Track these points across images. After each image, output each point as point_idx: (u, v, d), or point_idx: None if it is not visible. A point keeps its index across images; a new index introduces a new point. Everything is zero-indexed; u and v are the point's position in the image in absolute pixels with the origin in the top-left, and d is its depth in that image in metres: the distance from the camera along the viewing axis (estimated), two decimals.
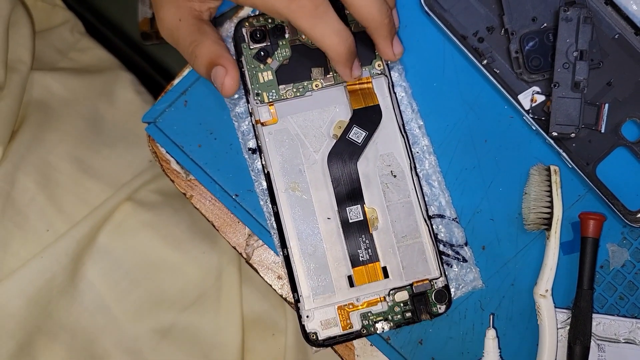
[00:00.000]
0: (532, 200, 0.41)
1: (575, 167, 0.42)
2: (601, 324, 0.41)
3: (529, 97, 0.43)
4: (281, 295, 0.42)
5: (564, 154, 0.42)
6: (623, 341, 0.41)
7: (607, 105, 0.42)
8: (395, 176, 0.41)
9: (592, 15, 0.42)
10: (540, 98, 0.43)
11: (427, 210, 0.41)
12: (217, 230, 0.43)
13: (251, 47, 0.41)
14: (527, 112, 0.42)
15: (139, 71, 0.66)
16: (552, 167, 0.41)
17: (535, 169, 0.42)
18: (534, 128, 0.42)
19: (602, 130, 0.42)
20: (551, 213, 0.41)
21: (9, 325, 0.51)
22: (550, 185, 0.41)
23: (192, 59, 0.40)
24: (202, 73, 0.40)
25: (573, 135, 0.42)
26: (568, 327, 0.40)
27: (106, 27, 0.72)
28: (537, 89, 0.43)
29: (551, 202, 0.41)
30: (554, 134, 0.42)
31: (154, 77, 0.71)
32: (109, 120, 0.60)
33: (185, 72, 0.43)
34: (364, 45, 0.41)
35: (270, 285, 0.42)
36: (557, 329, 0.40)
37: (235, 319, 0.54)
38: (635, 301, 0.42)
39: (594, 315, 0.41)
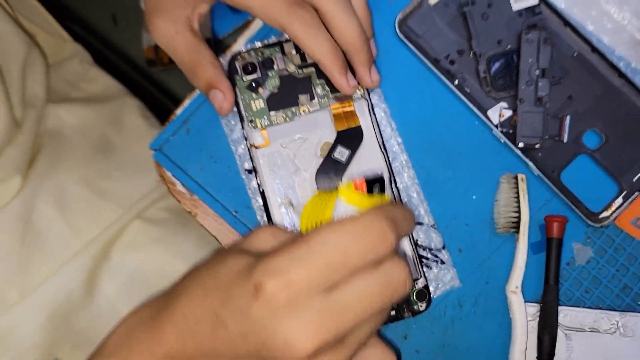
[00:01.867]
0: (502, 206, 0.44)
1: (542, 175, 0.44)
2: (568, 315, 0.44)
3: (498, 113, 0.45)
4: None
5: (530, 163, 0.44)
6: (588, 330, 0.44)
7: (568, 117, 0.45)
8: (376, 187, 0.44)
9: (552, 36, 0.45)
10: (508, 113, 0.45)
11: None
12: (221, 244, 0.46)
13: (244, 79, 0.44)
14: (496, 126, 0.45)
15: (145, 96, 0.69)
16: (519, 176, 0.44)
17: (504, 178, 0.45)
18: (503, 140, 0.45)
19: (565, 140, 0.45)
20: (519, 217, 0.44)
21: (34, 338, 0.54)
22: (518, 192, 0.44)
23: (191, 77, 0.43)
24: (200, 89, 0.43)
25: (538, 145, 0.44)
26: (538, 320, 0.44)
27: (113, 55, 0.75)
28: (504, 105, 0.45)
29: (519, 207, 0.44)
30: (521, 145, 0.44)
31: (160, 101, 0.74)
32: (118, 145, 0.63)
33: (187, 103, 0.46)
34: None
35: None
36: (528, 321, 0.44)
37: None
38: (599, 294, 0.45)
39: (561, 308, 0.44)
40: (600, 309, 0.45)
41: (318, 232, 0.30)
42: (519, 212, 0.44)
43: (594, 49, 0.45)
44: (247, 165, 0.45)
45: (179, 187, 0.46)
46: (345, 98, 0.45)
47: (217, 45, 0.71)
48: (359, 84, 0.44)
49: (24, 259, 0.55)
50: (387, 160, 0.44)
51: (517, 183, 0.45)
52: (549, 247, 0.44)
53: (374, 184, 0.38)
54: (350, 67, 0.42)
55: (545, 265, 0.44)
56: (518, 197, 0.44)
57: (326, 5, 0.39)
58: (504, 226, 0.44)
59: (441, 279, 0.45)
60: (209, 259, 0.35)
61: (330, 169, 0.44)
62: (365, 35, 0.41)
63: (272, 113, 0.44)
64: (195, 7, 0.42)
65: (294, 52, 0.45)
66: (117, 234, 0.58)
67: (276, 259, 0.30)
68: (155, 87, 0.73)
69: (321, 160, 0.44)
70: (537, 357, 0.44)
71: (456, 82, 0.46)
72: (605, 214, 0.45)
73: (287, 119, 0.45)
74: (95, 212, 0.58)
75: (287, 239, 0.33)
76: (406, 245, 0.44)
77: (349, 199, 0.34)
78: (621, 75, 0.45)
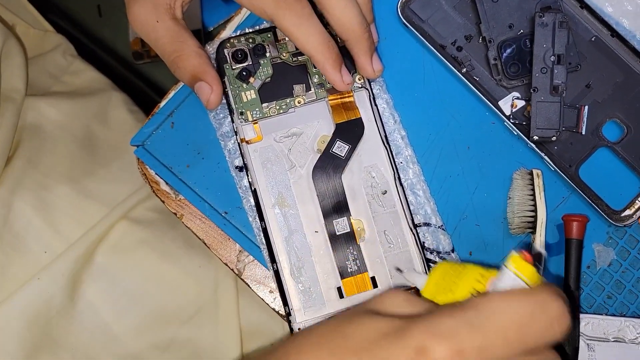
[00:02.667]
0: (516, 204, 0.42)
1: (558, 170, 0.43)
2: (590, 323, 0.42)
3: (509, 103, 0.43)
4: (274, 309, 0.43)
5: (546, 157, 0.43)
6: (612, 340, 0.41)
7: (586, 107, 0.43)
8: (385, 192, 0.42)
9: (568, 20, 0.43)
10: (520, 103, 0.43)
11: (412, 219, 0.42)
12: (209, 247, 0.44)
13: (233, 67, 0.42)
14: (508, 117, 0.43)
15: (131, 90, 0.67)
16: (535, 171, 0.42)
17: (518, 174, 0.43)
18: (516, 133, 0.43)
19: (583, 132, 0.43)
20: (535, 216, 0.42)
21: (10, 346, 0.51)
22: (533, 189, 0.42)
23: (174, 68, 0.41)
24: (184, 82, 0.42)
25: (554, 138, 0.42)
26: None
27: (98, 48, 0.73)
28: (516, 94, 0.43)
29: (535, 205, 0.42)
30: (535, 138, 0.42)
31: (147, 95, 0.72)
32: (103, 140, 0.61)
33: (171, 94, 0.44)
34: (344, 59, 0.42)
35: (263, 300, 0.43)
36: None
37: (233, 330, 0.55)
38: (623, 300, 0.43)
39: (582, 316, 0.42)
40: (624, 316, 0.42)
41: (488, 300, 0.29)
42: (534, 211, 0.42)
43: (614, 33, 0.44)
44: (238, 161, 0.43)
45: (163, 186, 0.44)
46: None
47: (207, 37, 0.69)
48: (359, 73, 0.42)
49: (1, 262, 0.52)
50: (390, 155, 0.42)
51: (532, 179, 0.43)
52: (568, 249, 0.41)
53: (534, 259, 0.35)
54: (349, 57, 0.41)
55: (565, 269, 0.41)
56: (533, 195, 0.42)
57: None
58: (518, 226, 0.42)
59: None
60: (318, 324, 0.33)
61: (329, 165, 0.42)
62: (365, 21, 0.39)
63: (265, 104, 0.42)
64: None
65: (287, 38, 0.42)
66: (101, 235, 0.56)
67: (443, 321, 0.28)
68: (142, 81, 0.71)
69: (318, 155, 0.42)
70: None
71: (464, 70, 0.44)
72: (628, 212, 0.43)
73: (281, 110, 0.43)
74: (78, 212, 0.56)
75: (428, 308, 0.31)
76: (412, 248, 0.41)
77: (519, 269, 0.31)
78: None
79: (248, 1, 0.38)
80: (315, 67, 0.42)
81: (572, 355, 0.40)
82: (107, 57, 0.73)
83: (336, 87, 0.40)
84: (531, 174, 0.42)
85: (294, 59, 0.42)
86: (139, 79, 0.72)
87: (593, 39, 0.44)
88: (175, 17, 0.40)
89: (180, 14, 0.41)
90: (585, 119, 0.43)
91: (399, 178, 0.42)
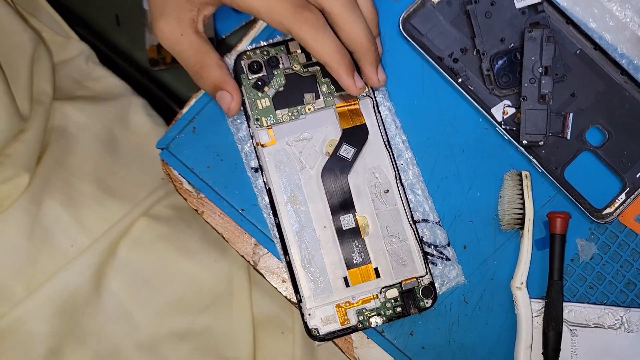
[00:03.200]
0: (507, 203, 0.45)
1: (545, 172, 0.45)
2: (573, 311, 0.44)
3: (501, 110, 0.46)
4: (286, 297, 0.46)
5: (534, 160, 0.45)
6: (593, 326, 0.44)
7: (571, 114, 0.45)
8: (387, 191, 0.45)
9: (555, 34, 0.45)
10: (511, 110, 0.46)
11: (412, 216, 0.44)
12: (227, 241, 0.46)
13: (250, 78, 0.45)
14: (500, 123, 0.46)
15: (149, 95, 0.69)
16: (524, 173, 0.45)
17: (509, 175, 0.45)
18: (507, 138, 0.45)
19: (568, 137, 0.45)
20: (524, 214, 0.44)
21: (41, 332, 0.54)
22: (522, 189, 0.45)
23: (197, 78, 0.43)
24: (206, 90, 0.44)
25: (542, 142, 0.45)
26: (543, 316, 0.45)
27: (117, 56, 0.75)
28: (507, 102, 0.46)
29: (523, 204, 0.45)
30: (524, 142, 0.45)
31: (163, 100, 0.74)
32: (124, 142, 0.63)
33: (192, 102, 0.47)
34: None
35: (276, 288, 0.46)
36: (533, 317, 0.44)
37: (246, 320, 0.58)
38: (603, 290, 0.45)
39: (566, 304, 0.44)
40: (604, 304, 0.45)
41: None
42: (523, 208, 0.45)
43: (597, 47, 0.46)
44: (253, 163, 0.46)
45: (186, 185, 0.47)
46: (350, 96, 0.45)
47: (219, 44, 0.71)
48: (365, 83, 0.44)
49: (31, 255, 0.55)
50: (392, 158, 0.45)
51: (521, 180, 0.45)
52: (552, 243, 0.44)
53: None
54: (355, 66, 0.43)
55: (549, 261, 0.44)
56: (522, 194, 0.45)
57: (332, 6, 0.40)
58: (508, 222, 0.45)
59: (447, 276, 0.45)
60: None
61: (336, 166, 0.44)
62: (372, 35, 0.41)
63: (278, 111, 0.45)
64: (200, 10, 0.42)
65: (299, 50, 0.45)
66: (123, 230, 0.58)
67: None
68: (158, 87, 0.73)
69: (327, 158, 0.45)
70: (542, 353, 0.44)
71: (460, 80, 0.46)
72: (608, 210, 0.45)
73: (293, 117, 0.45)
74: (102, 208, 0.58)
75: None
76: (411, 242, 0.44)
77: None
78: (623, 72, 0.46)
79: (266, 14, 0.39)
80: (324, 78, 0.45)
81: (556, 338, 0.43)
82: (125, 64, 0.75)
83: (350, 92, 0.42)
84: (520, 175, 0.45)
85: (304, 70, 0.45)
86: (156, 85, 0.74)
87: (578, 52, 0.46)
88: (197, 30, 0.42)
89: (202, 28, 0.43)
90: (570, 125, 0.45)
91: (400, 178, 0.45)
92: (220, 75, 0.42)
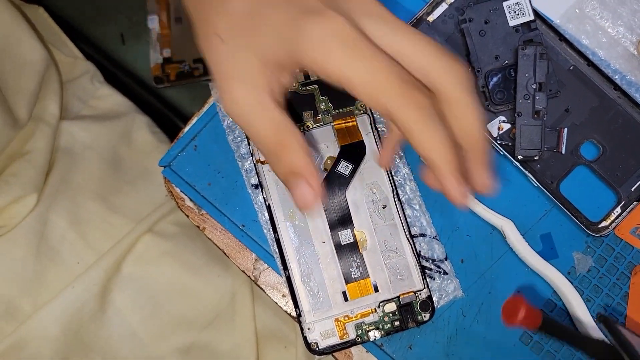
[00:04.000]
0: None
1: (541, 186, 0.46)
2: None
3: (496, 126, 0.47)
4: (286, 311, 0.46)
5: (529, 175, 0.46)
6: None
7: (566, 129, 0.46)
8: (384, 207, 0.45)
9: (548, 51, 0.46)
10: (506, 126, 0.47)
11: (410, 231, 0.45)
12: (228, 257, 0.47)
13: None
14: (495, 139, 0.46)
15: (154, 113, 0.71)
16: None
17: None
18: (502, 153, 0.46)
19: (563, 152, 0.46)
20: None
21: (47, 349, 0.55)
22: None
23: (272, 158, 0.34)
24: (278, 174, 0.34)
25: (537, 157, 0.45)
26: None
27: (122, 73, 0.77)
28: (503, 118, 0.47)
29: None
30: (520, 157, 0.46)
31: (168, 117, 0.75)
32: (128, 160, 0.65)
33: (194, 120, 0.48)
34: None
35: (276, 303, 0.47)
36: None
37: (249, 334, 0.58)
38: (600, 302, 0.46)
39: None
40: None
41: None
42: None
43: (590, 63, 0.47)
44: (254, 180, 0.47)
45: (188, 202, 0.48)
46: (348, 114, 0.46)
47: None
48: (466, 182, 0.32)
49: (38, 272, 0.56)
50: (389, 174, 0.46)
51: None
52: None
53: None
54: None
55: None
56: None
57: (453, 89, 0.31)
58: None
59: (444, 290, 0.46)
60: None
61: (335, 182, 0.45)
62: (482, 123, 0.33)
63: None
64: (278, 77, 0.34)
65: (297, 69, 0.46)
66: (128, 247, 0.59)
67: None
68: (163, 104, 0.74)
69: (325, 174, 0.45)
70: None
71: None
72: (604, 223, 0.46)
73: None
74: (107, 226, 0.59)
75: None
76: (409, 256, 0.45)
77: None
78: (616, 87, 0.46)
79: (364, 90, 0.30)
80: (322, 96, 0.46)
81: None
82: (130, 81, 0.77)
83: (453, 201, 0.32)
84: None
85: (302, 89, 0.46)
86: (159, 102, 0.75)
87: (571, 68, 0.47)
88: (278, 103, 0.33)
89: (282, 100, 0.34)
90: (564, 140, 0.46)
91: (398, 194, 0.45)
92: (304, 162, 0.33)
